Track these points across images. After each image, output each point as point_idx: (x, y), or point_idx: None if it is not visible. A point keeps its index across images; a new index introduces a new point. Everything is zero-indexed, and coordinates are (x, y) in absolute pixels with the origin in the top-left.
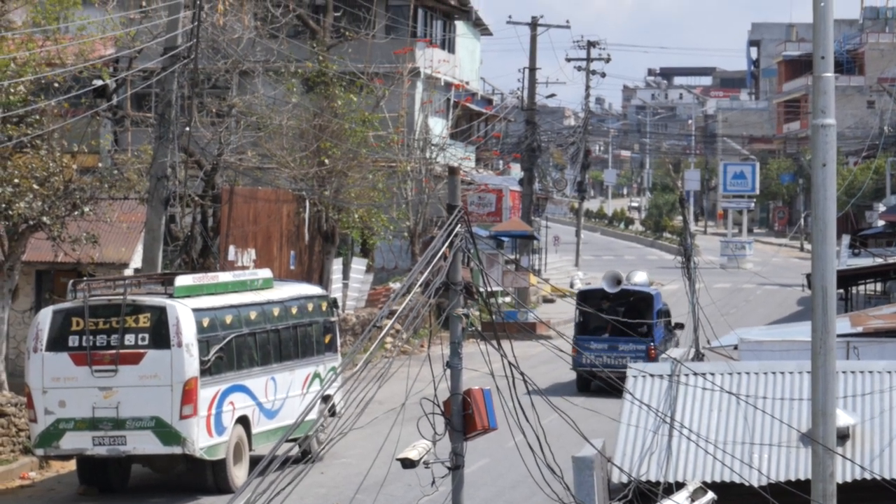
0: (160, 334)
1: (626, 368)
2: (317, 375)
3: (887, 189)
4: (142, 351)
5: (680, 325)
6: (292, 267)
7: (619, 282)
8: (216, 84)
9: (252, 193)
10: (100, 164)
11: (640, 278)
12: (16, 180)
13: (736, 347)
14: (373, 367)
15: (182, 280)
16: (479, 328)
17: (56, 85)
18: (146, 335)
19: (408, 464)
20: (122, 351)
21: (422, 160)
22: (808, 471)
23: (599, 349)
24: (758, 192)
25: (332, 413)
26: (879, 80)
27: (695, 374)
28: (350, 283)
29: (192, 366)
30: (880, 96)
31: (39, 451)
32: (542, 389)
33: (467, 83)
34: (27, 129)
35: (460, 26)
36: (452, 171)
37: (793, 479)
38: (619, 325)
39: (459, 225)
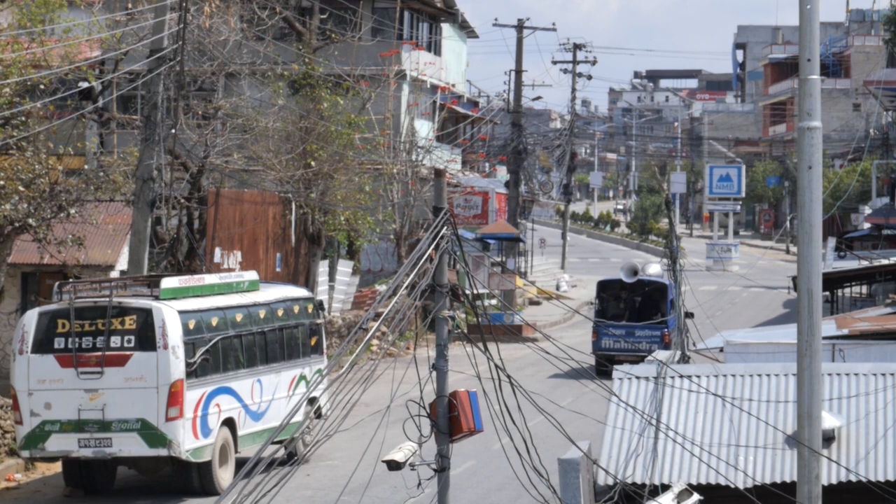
0: (146, 336)
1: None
2: (303, 377)
3: (873, 192)
4: (128, 353)
5: (690, 315)
6: (278, 269)
7: (635, 273)
8: (202, 86)
9: (238, 196)
10: (86, 167)
11: (654, 270)
12: (1, 182)
13: (722, 350)
14: (359, 369)
15: (168, 282)
16: (465, 330)
17: (42, 87)
18: (132, 337)
19: (394, 466)
20: (107, 353)
21: (408, 162)
22: (794, 473)
23: (617, 335)
24: (744, 194)
25: (318, 415)
26: (865, 83)
27: (680, 376)
28: (336, 286)
29: (177, 368)
30: (866, 99)
31: (25, 453)
32: (529, 392)
33: (453, 85)
34: (13, 130)
35: (446, 29)
36: (438, 174)
37: (778, 481)
38: (633, 313)
39: (445, 227)
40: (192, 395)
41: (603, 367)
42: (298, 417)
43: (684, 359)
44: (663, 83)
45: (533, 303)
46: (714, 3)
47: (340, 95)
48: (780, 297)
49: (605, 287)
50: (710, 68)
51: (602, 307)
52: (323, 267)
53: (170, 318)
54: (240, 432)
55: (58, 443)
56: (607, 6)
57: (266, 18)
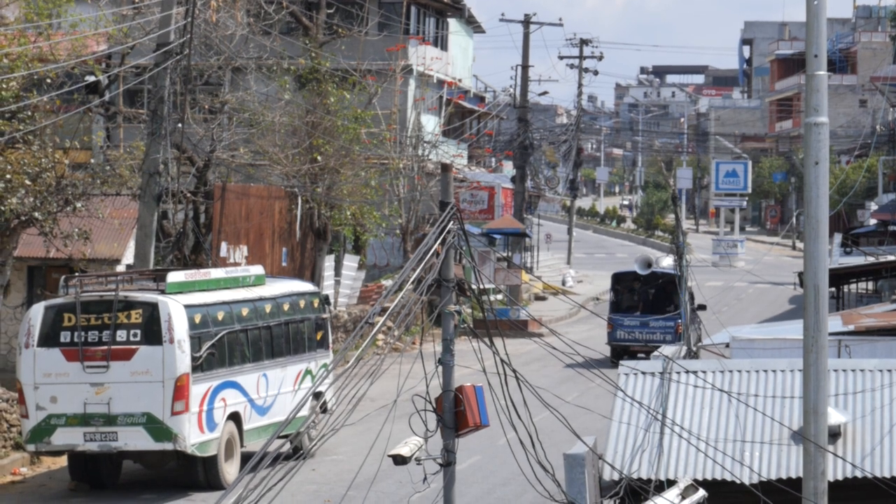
0: (152, 330)
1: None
2: (308, 372)
3: (879, 188)
4: (133, 347)
5: (702, 307)
6: (284, 264)
7: (649, 265)
8: (209, 80)
9: (244, 190)
10: (92, 160)
11: (668, 262)
12: (8, 176)
13: (728, 345)
14: (364, 363)
15: (174, 276)
16: (471, 325)
17: (48, 81)
18: (138, 331)
19: (399, 460)
20: (113, 347)
21: (414, 157)
22: (800, 469)
23: (632, 326)
24: (750, 190)
25: (324, 409)
26: (872, 79)
27: (686, 371)
28: (342, 280)
29: (183, 362)
30: (873, 95)
31: (31, 447)
32: (534, 386)
33: (460, 80)
34: (19, 124)
35: (453, 24)
36: (445, 168)
37: (784, 477)
38: (647, 305)
39: (452, 222)
40: (198, 390)
41: (617, 358)
42: (304, 412)
43: (690, 353)
44: (669, 79)
45: (539, 298)
46: None
47: (347, 90)
48: (786, 293)
49: (619, 279)
50: (717, 64)
51: (616, 299)
52: (329, 261)
53: (176, 312)
54: (245, 426)
55: (63, 437)
56: (614, 2)
57: (273, 13)
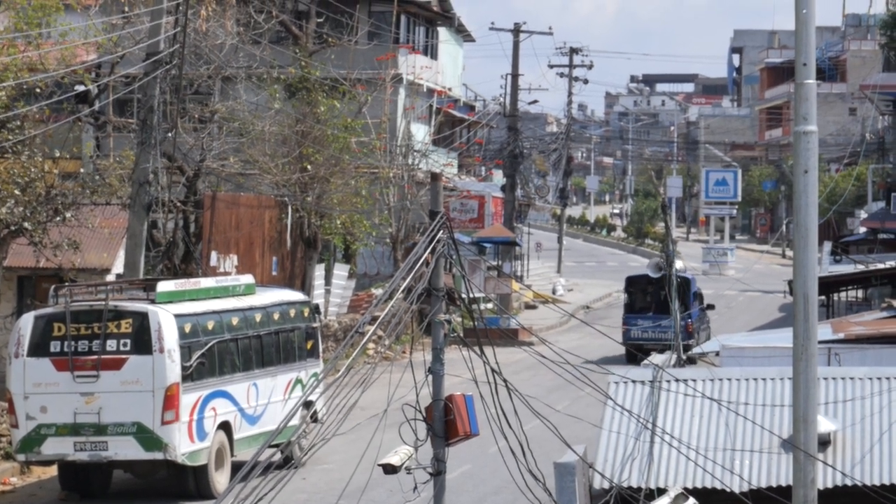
0: (142, 340)
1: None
2: (299, 381)
3: (869, 196)
4: (123, 356)
5: (711, 307)
6: (274, 273)
7: (661, 269)
8: (198, 90)
9: (234, 199)
10: (82, 170)
11: (678, 265)
12: None
13: (718, 353)
14: (355, 372)
15: (164, 286)
16: (462, 334)
17: (38, 90)
18: (128, 341)
19: (390, 469)
20: (103, 356)
21: (404, 166)
22: (790, 477)
23: (645, 325)
24: (740, 198)
25: (315, 419)
26: (861, 88)
27: (676, 380)
28: (332, 289)
29: (173, 371)
30: (862, 103)
31: (21, 457)
32: (525, 395)
33: (450, 89)
34: (9, 134)
35: (443, 33)
36: (435, 178)
37: (774, 485)
38: (658, 306)
39: (442, 231)
40: (188, 399)
41: (632, 358)
42: (295, 421)
43: (681, 362)
44: (660, 87)
45: (529, 307)
46: (710, 7)
47: (337, 99)
48: (776, 301)
49: (632, 282)
50: (707, 72)
51: (630, 301)
52: (319, 271)
53: (166, 321)
54: (236, 436)
55: (54, 446)
56: (604, 10)
57: (262, 22)
